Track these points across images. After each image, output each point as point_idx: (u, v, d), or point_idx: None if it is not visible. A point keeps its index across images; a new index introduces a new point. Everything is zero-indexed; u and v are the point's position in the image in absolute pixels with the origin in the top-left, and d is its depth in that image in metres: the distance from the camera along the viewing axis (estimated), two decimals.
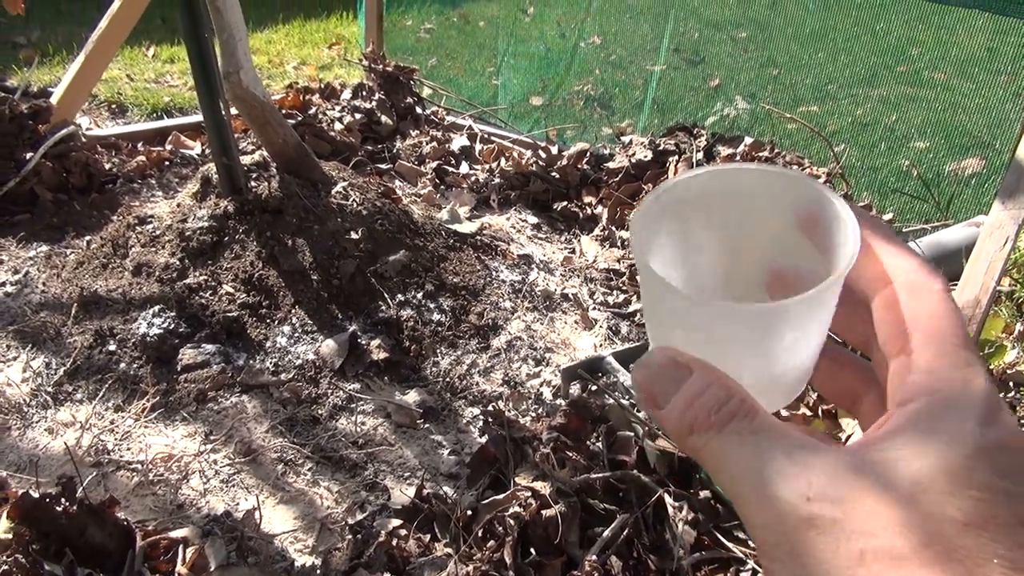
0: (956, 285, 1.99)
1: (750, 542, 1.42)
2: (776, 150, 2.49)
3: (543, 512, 1.26)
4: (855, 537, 0.26)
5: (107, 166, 2.68)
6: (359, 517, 1.49)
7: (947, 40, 3.40)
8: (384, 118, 3.06)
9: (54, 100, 2.71)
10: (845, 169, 2.46)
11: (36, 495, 1.26)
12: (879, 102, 3.78)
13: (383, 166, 2.89)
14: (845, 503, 0.27)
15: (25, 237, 2.32)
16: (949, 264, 2.11)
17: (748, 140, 2.57)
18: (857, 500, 0.27)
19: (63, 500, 1.28)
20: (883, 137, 3.51)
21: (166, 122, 3.18)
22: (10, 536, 1.28)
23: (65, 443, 1.57)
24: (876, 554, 0.26)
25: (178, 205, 2.12)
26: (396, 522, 1.45)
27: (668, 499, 1.38)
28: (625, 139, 2.84)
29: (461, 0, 4.82)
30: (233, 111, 2.02)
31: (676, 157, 2.65)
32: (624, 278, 2.35)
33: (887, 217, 2.23)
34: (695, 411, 0.31)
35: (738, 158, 2.52)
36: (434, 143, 3.00)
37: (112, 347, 1.81)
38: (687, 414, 0.31)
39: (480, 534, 1.25)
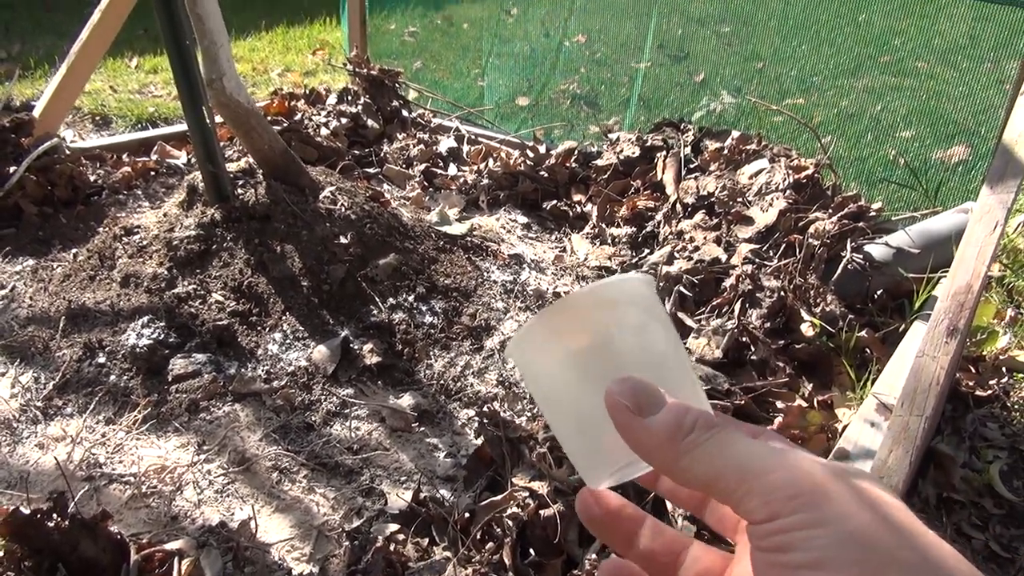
0: (947, 272, 1.99)
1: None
2: (764, 143, 2.50)
3: (541, 512, 1.25)
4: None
5: (92, 178, 2.66)
6: (356, 523, 1.48)
7: (929, 29, 3.42)
8: (370, 122, 3.05)
9: (36, 113, 2.68)
10: (832, 160, 2.46)
11: (27, 511, 1.24)
12: (864, 92, 3.80)
13: (371, 170, 2.88)
14: None
15: (11, 252, 2.30)
16: (939, 252, 2.12)
17: (735, 133, 2.57)
18: None
19: (54, 515, 1.26)
20: (869, 127, 3.52)
21: (151, 132, 3.16)
22: (1, 554, 1.26)
23: (55, 458, 1.55)
24: None
25: (165, 215, 2.10)
26: (393, 527, 1.44)
27: None
28: (613, 136, 2.83)
29: (444, 2, 4.81)
30: (218, 119, 2.01)
31: (664, 152, 2.65)
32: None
33: (876, 206, 2.23)
34: (693, 417, 0.37)
35: (726, 152, 2.52)
36: (421, 146, 2.99)
37: (101, 359, 1.79)
38: (685, 420, 0.37)
39: (478, 536, 1.24)
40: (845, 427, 1.70)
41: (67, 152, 2.61)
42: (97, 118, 3.69)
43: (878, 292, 2.11)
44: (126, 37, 4.07)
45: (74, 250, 2.26)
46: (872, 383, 1.80)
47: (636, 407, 0.38)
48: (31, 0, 5.47)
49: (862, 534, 0.32)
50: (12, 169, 2.42)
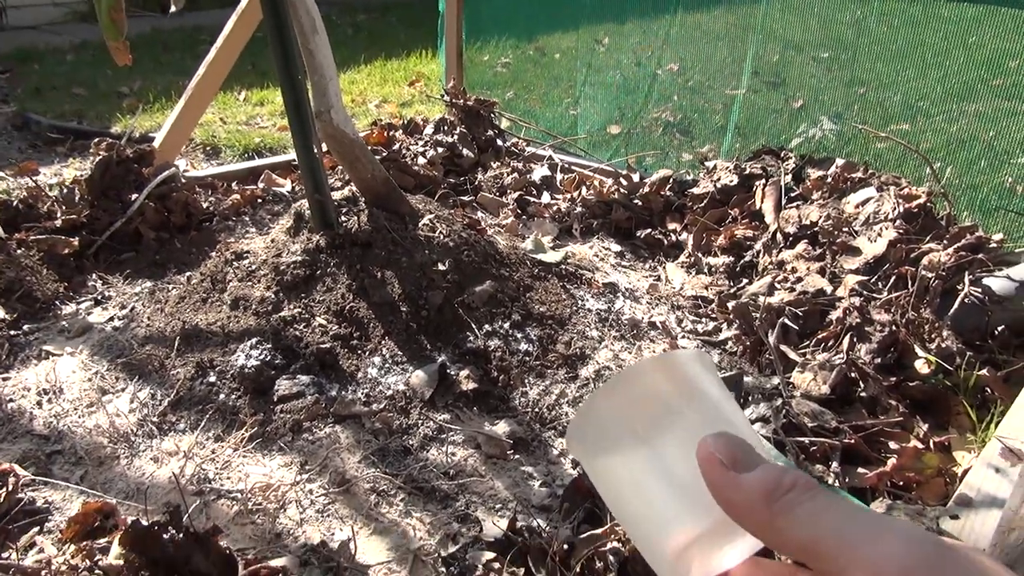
0: None
1: None
2: (870, 171, 2.40)
3: None
4: None
5: (204, 205, 2.80)
6: (452, 549, 1.48)
7: None
8: (466, 151, 3.11)
9: (156, 144, 2.86)
10: (945, 188, 2.35)
11: (145, 523, 1.30)
12: (975, 117, 3.61)
13: (465, 198, 2.93)
14: None
15: (131, 274, 2.44)
16: None
17: (840, 161, 2.49)
18: None
19: (170, 528, 1.32)
20: (982, 154, 3.35)
21: (258, 162, 3.31)
22: (121, 562, 1.33)
23: (173, 473, 1.62)
24: None
25: (272, 240, 2.19)
26: (489, 555, 1.43)
27: None
28: (709, 164, 2.79)
29: (536, 33, 4.88)
30: (323, 148, 2.08)
31: (763, 181, 2.59)
32: (713, 305, 2.29)
33: (997, 238, 2.11)
34: (792, 478, 0.35)
35: (829, 180, 2.44)
36: (515, 174, 3.02)
37: (212, 379, 1.87)
38: (784, 479, 0.35)
39: (578, 569, 1.22)
40: (966, 471, 1.60)
41: (183, 181, 2.77)
42: (208, 148, 3.91)
43: (999, 328, 1.98)
44: (235, 72, 4.30)
45: (188, 273, 2.38)
46: (995, 425, 1.69)
47: (731, 462, 0.36)
48: (152, 41, 5.86)
49: None
50: (134, 197, 2.58)
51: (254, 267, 2.11)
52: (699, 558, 0.40)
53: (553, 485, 1.65)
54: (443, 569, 1.43)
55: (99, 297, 2.33)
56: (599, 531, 1.29)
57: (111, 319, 2.21)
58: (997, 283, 2.01)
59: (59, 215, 2.51)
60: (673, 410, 0.42)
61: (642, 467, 0.41)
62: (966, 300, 1.97)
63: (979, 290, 1.99)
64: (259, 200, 2.97)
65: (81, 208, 2.53)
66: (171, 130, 2.93)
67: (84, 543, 1.43)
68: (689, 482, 0.39)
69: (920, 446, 1.66)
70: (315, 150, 2.01)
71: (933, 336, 1.89)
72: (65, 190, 2.59)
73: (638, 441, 0.41)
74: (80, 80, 4.85)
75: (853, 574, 0.31)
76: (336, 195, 2.17)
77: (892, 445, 1.68)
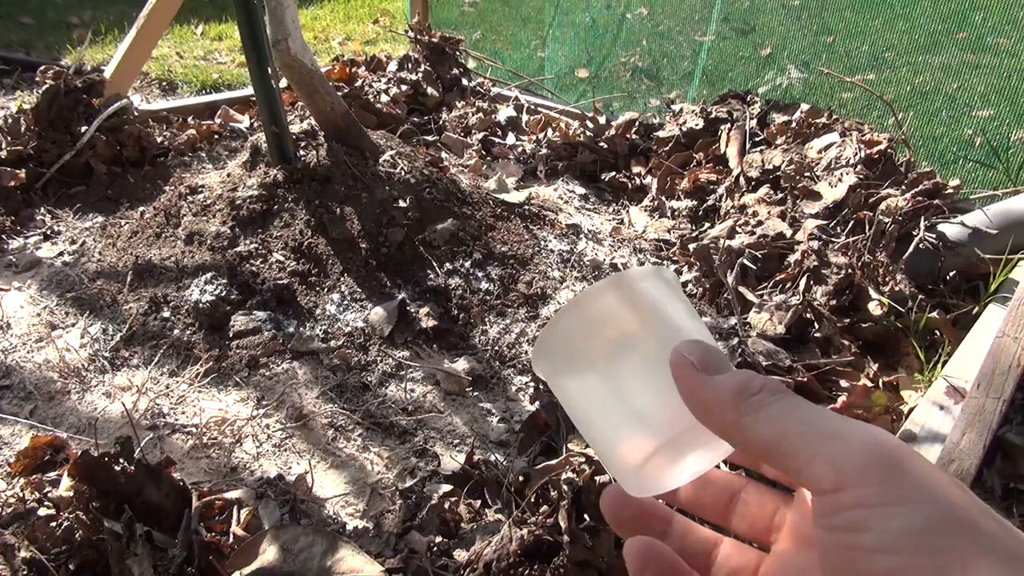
0: None
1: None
2: (834, 116, 2.41)
3: (597, 478, 1.24)
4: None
5: (159, 139, 2.72)
6: (409, 483, 1.49)
7: (1012, 4, 3.25)
8: (430, 89, 3.04)
9: (107, 74, 2.74)
10: (907, 136, 2.36)
11: (96, 454, 1.28)
12: (939, 70, 3.63)
13: (429, 137, 2.88)
14: None
15: (81, 208, 2.37)
16: (1019, 233, 2.02)
17: (804, 107, 2.49)
18: None
19: (121, 460, 1.30)
20: (944, 106, 3.38)
21: (215, 96, 3.21)
22: (71, 493, 1.31)
23: (123, 404, 1.60)
24: None
25: (228, 175, 2.13)
26: (446, 488, 1.45)
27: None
28: (675, 107, 2.77)
29: None
30: (282, 81, 2.02)
31: (728, 125, 2.58)
32: (675, 248, 2.30)
33: (953, 183, 2.13)
34: (762, 381, 0.36)
35: (794, 125, 2.44)
36: (480, 114, 2.97)
37: (166, 314, 1.83)
38: (753, 382, 0.35)
39: (533, 499, 1.24)
40: (912, 409, 1.64)
41: (135, 114, 2.67)
42: (164, 83, 3.77)
43: (951, 273, 2.03)
44: (192, 5, 4.14)
45: (141, 208, 2.31)
46: (942, 366, 1.73)
47: (703, 366, 0.37)
48: None
49: (950, 517, 0.29)
50: (83, 128, 2.49)
51: (209, 202, 2.06)
52: (659, 471, 0.41)
53: (511, 421, 1.66)
54: (400, 500, 1.44)
55: (48, 231, 2.25)
56: (554, 462, 1.31)
57: (61, 254, 2.15)
58: (951, 229, 2.04)
59: (3, 146, 2.41)
60: (630, 329, 0.42)
61: (602, 385, 0.42)
62: (920, 245, 2.00)
63: (933, 236, 2.02)
64: (216, 136, 2.88)
65: (28, 139, 2.43)
66: (123, 59, 2.81)
67: (34, 476, 1.41)
68: (646, 401, 0.40)
69: (870, 385, 1.69)
70: (272, 80, 1.95)
71: (887, 279, 1.93)
72: (11, 120, 2.48)
73: (599, 358, 0.42)
74: (27, 8, 4.62)
75: (814, 468, 0.31)
76: (295, 128, 2.11)
77: (843, 383, 1.72)
